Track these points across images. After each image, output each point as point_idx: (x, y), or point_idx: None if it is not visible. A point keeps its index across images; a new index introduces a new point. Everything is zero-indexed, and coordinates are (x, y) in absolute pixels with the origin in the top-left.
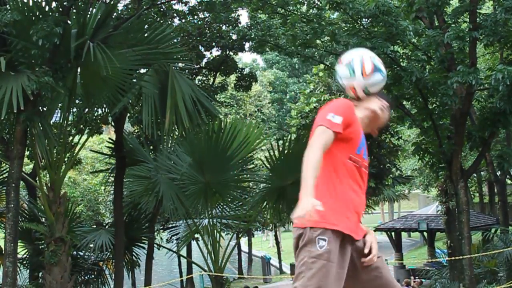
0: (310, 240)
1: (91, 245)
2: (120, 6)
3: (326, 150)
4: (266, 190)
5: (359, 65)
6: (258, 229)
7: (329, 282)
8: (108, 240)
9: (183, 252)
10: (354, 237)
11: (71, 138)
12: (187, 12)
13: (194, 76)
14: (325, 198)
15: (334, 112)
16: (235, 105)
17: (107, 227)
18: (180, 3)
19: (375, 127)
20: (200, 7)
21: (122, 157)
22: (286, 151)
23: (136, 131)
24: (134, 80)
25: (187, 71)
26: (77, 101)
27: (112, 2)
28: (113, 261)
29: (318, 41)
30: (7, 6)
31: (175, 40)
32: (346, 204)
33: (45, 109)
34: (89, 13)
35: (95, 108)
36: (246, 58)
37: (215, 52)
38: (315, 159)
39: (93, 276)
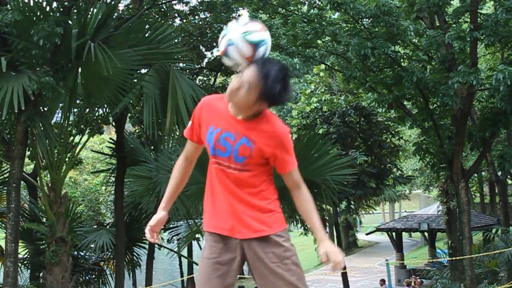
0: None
1: (92, 245)
2: (121, 6)
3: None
4: None
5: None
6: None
7: None
8: (109, 240)
9: (184, 252)
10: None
11: (72, 138)
12: (188, 12)
13: (195, 76)
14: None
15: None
16: None
17: (108, 227)
18: (181, 3)
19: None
20: (201, 7)
21: (123, 157)
22: None
23: (137, 131)
24: (135, 80)
25: (188, 71)
26: (78, 101)
27: (113, 2)
28: (114, 261)
29: (319, 41)
30: (8, 6)
31: (176, 40)
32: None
33: (46, 109)
34: (90, 13)
35: (96, 108)
36: None
37: (216, 52)
38: (173, 168)
39: (94, 276)
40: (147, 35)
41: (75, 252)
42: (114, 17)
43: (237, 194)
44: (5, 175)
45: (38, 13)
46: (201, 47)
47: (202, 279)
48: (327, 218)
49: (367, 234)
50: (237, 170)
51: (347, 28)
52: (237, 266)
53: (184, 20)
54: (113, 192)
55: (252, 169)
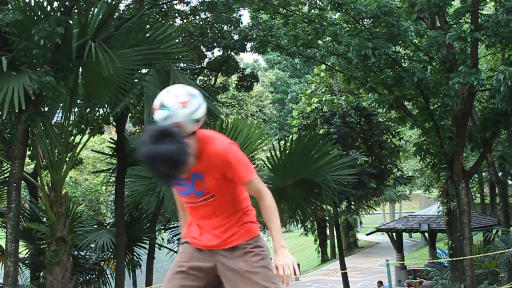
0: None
1: (92, 245)
2: (121, 6)
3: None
4: None
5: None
6: (259, 229)
7: None
8: (109, 240)
9: None
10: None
11: (72, 138)
12: (189, 12)
13: (195, 76)
14: None
15: None
16: (237, 106)
17: (108, 227)
18: (182, 3)
19: None
20: (201, 7)
21: (124, 157)
22: (287, 152)
23: (137, 131)
24: (136, 80)
25: (188, 71)
26: (78, 101)
27: (114, 2)
28: (114, 261)
29: (319, 42)
30: (9, 5)
31: (177, 40)
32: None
33: (46, 109)
34: (91, 13)
35: (97, 108)
36: (247, 59)
37: (217, 52)
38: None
39: (94, 276)
40: (147, 35)
41: (76, 252)
42: (115, 17)
43: (207, 220)
44: (5, 175)
45: (39, 13)
46: (201, 47)
47: (166, 278)
48: (327, 218)
49: (367, 235)
50: (203, 202)
51: (348, 29)
52: (205, 275)
53: (185, 20)
54: (113, 192)
55: (217, 194)
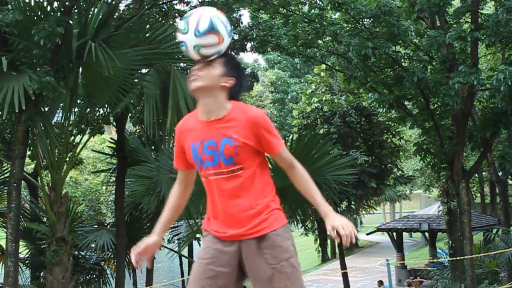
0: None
1: (93, 245)
2: (121, 6)
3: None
4: None
5: (195, 21)
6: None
7: None
8: (109, 240)
9: (185, 252)
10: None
11: (72, 138)
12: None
13: None
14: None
15: None
16: None
17: (108, 227)
18: (182, 3)
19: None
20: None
21: (124, 157)
22: None
23: (137, 131)
24: (136, 80)
25: (188, 71)
26: (78, 101)
27: (114, 2)
28: (115, 261)
29: (319, 41)
30: (9, 6)
31: (177, 40)
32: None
33: (46, 109)
34: (91, 13)
35: (97, 108)
36: (247, 58)
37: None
38: (170, 194)
39: (94, 276)
40: (147, 35)
41: (76, 252)
42: (115, 17)
43: (234, 199)
44: (5, 175)
45: (39, 13)
46: None
47: (192, 279)
48: None
49: (367, 234)
50: (230, 173)
51: (348, 28)
52: (232, 269)
53: None
54: (113, 192)
55: (245, 165)
